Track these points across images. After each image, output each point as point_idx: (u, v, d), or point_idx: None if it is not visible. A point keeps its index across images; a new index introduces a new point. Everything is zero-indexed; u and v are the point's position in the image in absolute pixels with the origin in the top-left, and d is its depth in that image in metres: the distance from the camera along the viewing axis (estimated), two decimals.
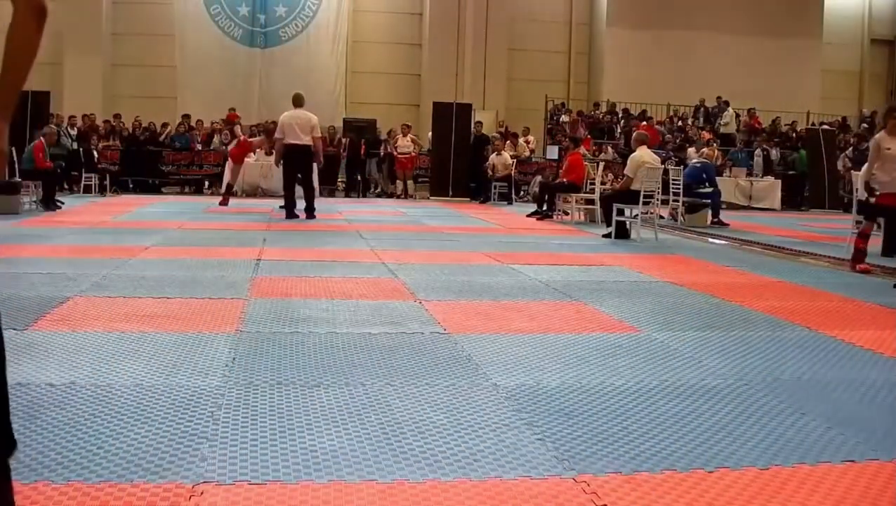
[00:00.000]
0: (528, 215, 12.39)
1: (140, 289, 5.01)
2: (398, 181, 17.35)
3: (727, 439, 2.61)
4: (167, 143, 16.86)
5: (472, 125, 17.04)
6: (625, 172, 9.88)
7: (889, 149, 6.98)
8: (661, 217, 10.58)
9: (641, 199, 9.19)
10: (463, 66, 21.05)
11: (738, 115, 20.61)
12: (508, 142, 17.66)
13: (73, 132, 15.97)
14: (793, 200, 18.49)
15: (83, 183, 15.08)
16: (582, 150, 13.21)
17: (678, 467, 2.36)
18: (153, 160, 16.59)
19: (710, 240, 9.82)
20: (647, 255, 7.90)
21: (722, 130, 20.03)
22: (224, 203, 12.65)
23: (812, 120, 21.05)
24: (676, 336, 4.09)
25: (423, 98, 20.52)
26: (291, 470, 2.25)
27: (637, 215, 9.47)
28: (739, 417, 2.83)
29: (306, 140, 10.55)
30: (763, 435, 2.65)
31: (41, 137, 11.90)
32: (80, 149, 15.32)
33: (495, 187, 16.16)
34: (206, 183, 16.69)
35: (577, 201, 11.85)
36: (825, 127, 19.67)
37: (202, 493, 2.08)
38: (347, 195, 17.22)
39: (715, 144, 16.71)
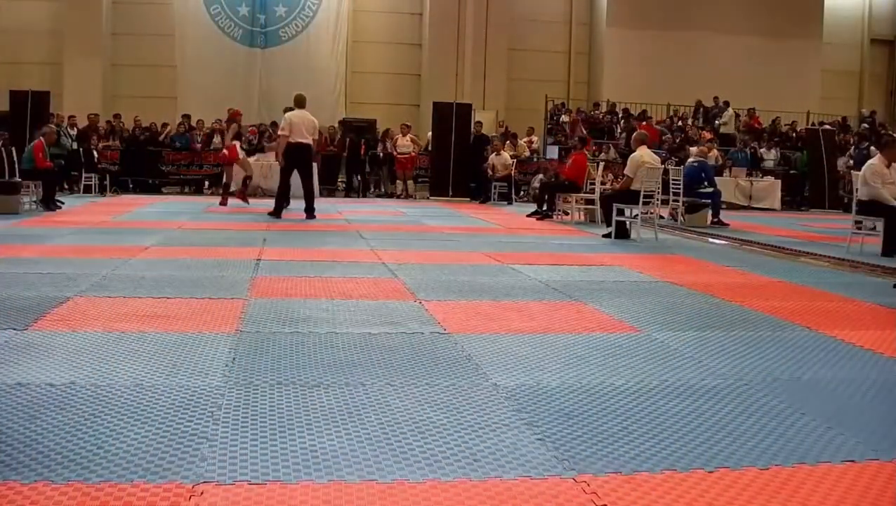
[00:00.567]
0: (528, 215, 12.39)
1: (140, 289, 5.01)
2: (398, 181, 17.34)
3: (727, 438, 2.61)
4: (167, 143, 16.86)
5: (472, 125, 17.03)
6: (625, 171, 9.88)
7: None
8: (661, 217, 10.58)
9: (641, 199, 9.19)
10: (463, 66, 21.05)
11: (738, 115, 20.61)
12: (508, 142, 17.66)
13: (73, 132, 15.96)
14: (793, 200, 18.51)
15: (83, 183, 15.08)
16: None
17: (678, 467, 2.36)
18: (153, 160, 16.58)
19: (710, 240, 9.81)
20: (647, 255, 7.90)
21: (721, 129, 20.02)
22: (223, 203, 12.66)
23: (812, 120, 21.05)
24: (676, 336, 4.08)
25: (423, 98, 20.53)
26: (291, 470, 2.25)
27: (637, 215, 9.47)
28: (739, 417, 2.83)
29: (309, 140, 10.69)
30: (763, 435, 2.65)
31: (40, 137, 11.89)
32: (80, 149, 15.32)
33: (495, 187, 16.16)
34: (206, 183, 16.69)
35: (577, 201, 11.85)
36: (825, 127, 19.67)
37: (202, 493, 2.08)
38: (347, 195, 17.22)
39: (714, 144, 16.70)
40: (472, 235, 9.37)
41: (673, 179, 11.33)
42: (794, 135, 20.56)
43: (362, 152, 17.54)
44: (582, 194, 11.81)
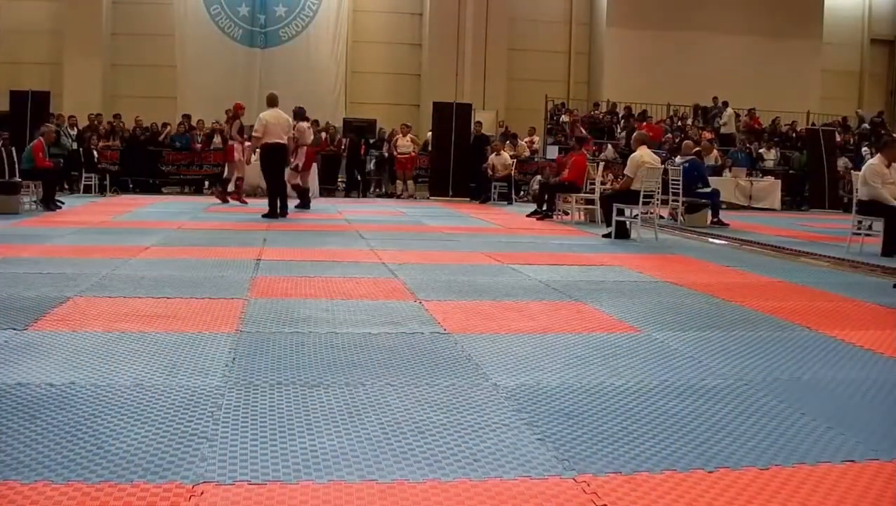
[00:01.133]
0: (528, 215, 12.39)
1: (140, 289, 5.01)
2: (398, 181, 17.35)
3: (727, 439, 2.61)
4: (167, 143, 16.86)
5: (472, 125, 17.04)
6: (625, 171, 9.88)
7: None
8: (661, 217, 10.58)
9: (641, 199, 9.19)
10: (463, 66, 21.05)
11: (737, 116, 20.61)
12: (508, 142, 17.66)
13: (73, 132, 15.97)
14: (793, 201, 18.51)
15: (83, 183, 15.08)
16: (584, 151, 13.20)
17: (678, 467, 2.36)
18: (153, 160, 16.59)
19: (710, 240, 9.81)
20: (647, 255, 7.90)
21: (721, 130, 20.02)
22: (224, 201, 12.67)
23: (812, 120, 21.05)
24: (676, 336, 4.08)
25: (423, 98, 20.53)
26: (291, 470, 2.25)
27: (637, 215, 9.47)
28: (739, 417, 2.83)
29: (284, 140, 10.71)
30: (763, 435, 2.65)
31: (40, 137, 11.89)
32: (80, 149, 15.33)
33: (495, 187, 16.16)
34: (206, 183, 16.69)
35: (577, 201, 11.85)
36: (825, 127, 19.67)
37: (202, 493, 2.08)
38: (347, 195, 17.22)
39: (713, 144, 16.69)
40: (472, 235, 9.37)
41: (672, 179, 11.33)
42: (793, 135, 20.56)
43: (362, 152, 17.54)
44: (582, 194, 11.81)
